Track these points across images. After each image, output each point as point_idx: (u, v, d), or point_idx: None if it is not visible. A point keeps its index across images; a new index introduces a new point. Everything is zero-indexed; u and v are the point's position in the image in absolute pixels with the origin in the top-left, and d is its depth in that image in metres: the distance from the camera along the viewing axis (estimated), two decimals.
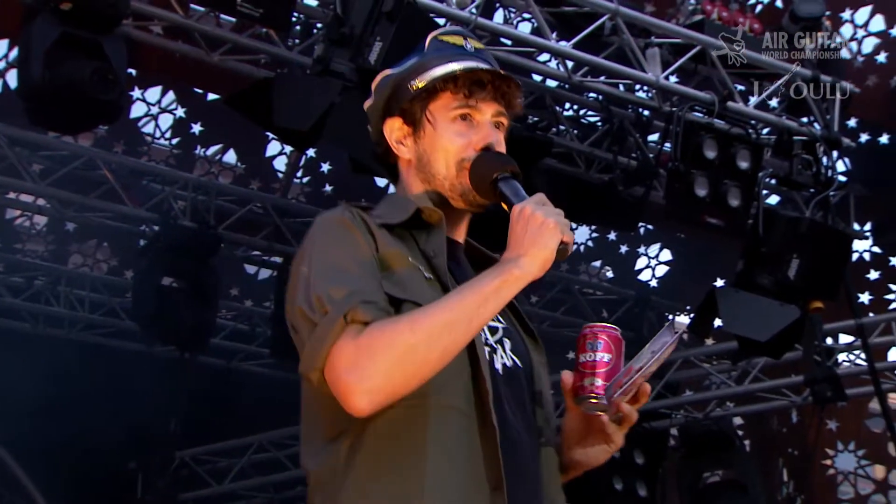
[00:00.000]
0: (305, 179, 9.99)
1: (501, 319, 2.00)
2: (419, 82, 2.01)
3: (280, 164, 9.81)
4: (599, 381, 1.89)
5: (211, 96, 9.18)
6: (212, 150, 9.66)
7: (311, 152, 9.58)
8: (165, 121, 9.43)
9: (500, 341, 1.98)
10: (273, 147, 9.70)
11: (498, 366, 1.94)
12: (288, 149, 9.50)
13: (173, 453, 9.21)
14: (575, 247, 10.26)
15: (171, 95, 9.28)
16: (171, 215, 8.11)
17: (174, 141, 9.43)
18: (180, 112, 9.34)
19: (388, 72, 2.11)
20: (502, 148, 2.02)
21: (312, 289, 1.83)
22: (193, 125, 9.35)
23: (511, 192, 1.93)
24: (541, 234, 1.81)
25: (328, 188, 9.84)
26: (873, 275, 9.81)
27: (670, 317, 10.67)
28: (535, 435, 1.99)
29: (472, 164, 1.97)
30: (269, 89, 5.60)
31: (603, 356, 1.89)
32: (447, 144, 1.99)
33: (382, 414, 1.80)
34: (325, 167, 9.81)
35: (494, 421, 1.84)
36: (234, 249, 8.79)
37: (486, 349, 1.92)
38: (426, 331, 1.76)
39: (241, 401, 9.30)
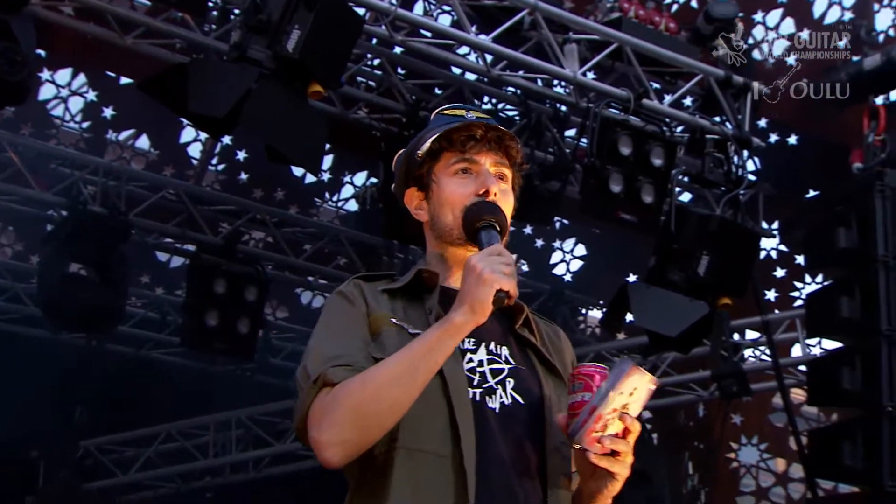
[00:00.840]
0: (221, 167, 9.88)
1: (510, 360, 2.10)
2: (422, 150, 2.17)
3: (195, 150, 9.71)
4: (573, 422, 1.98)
5: (124, 80, 9.02)
6: (124, 134, 9.50)
7: (226, 140, 9.48)
8: (76, 104, 9.25)
9: (501, 382, 2.06)
10: (188, 133, 9.59)
11: (494, 405, 2.03)
12: (203, 136, 9.38)
13: (77, 443, 9.03)
14: None
15: (81, 78, 9.10)
16: (80, 200, 7.94)
17: (85, 125, 9.25)
18: (91, 95, 9.16)
19: (401, 151, 2.27)
20: (506, 196, 2.16)
21: (303, 361, 2.04)
22: (105, 109, 9.18)
23: (485, 240, 2.05)
24: (476, 285, 1.93)
25: (244, 176, 9.74)
26: (780, 272, 10.05)
27: (583, 311, 10.80)
28: (539, 472, 2.03)
29: (464, 212, 2.10)
30: (184, 75, 5.49)
31: (584, 396, 1.97)
32: (450, 196, 2.13)
33: (367, 462, 1.97)
34: (241, 155, 9.71)
35: (466, 463, 1.93)
36: (146, 236, 8.64)
37: (478, 391, 2.02)
38: (374, 385, 1.92)
39: (150, 390, 9.16)
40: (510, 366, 2.09)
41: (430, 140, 2.16)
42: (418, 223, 2.22)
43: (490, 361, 2.07)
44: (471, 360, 2.06)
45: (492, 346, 2.09)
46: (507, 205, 2.15)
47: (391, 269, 8.43)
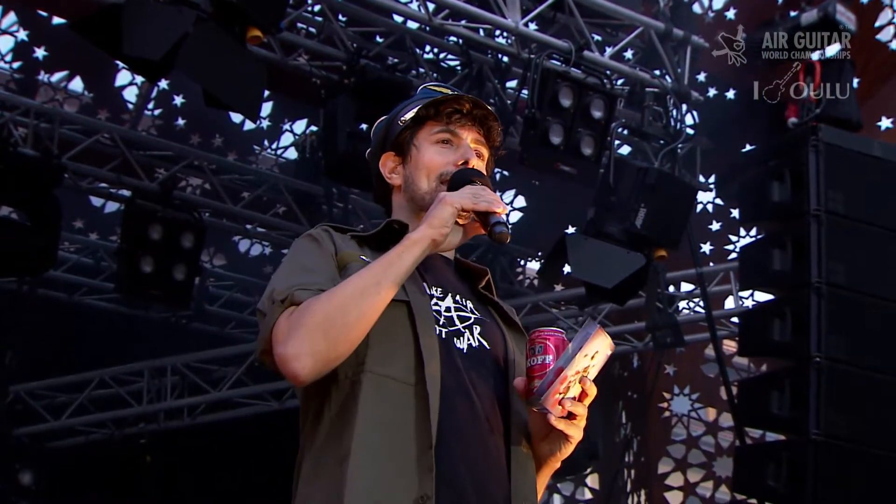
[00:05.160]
0: (157, 112, 9.71)
1: (476, 311, 2.18)
2: (406, 116, 2.25)
3: (130, 94, 9.52)
4: (538, 384, 2.00)
5: (56, 20, 8.79)
6: (57, 76, 9.27)
7: (163, 84, 9.30)
8: (6, 43, 9.06)
9: (469, 326, 2.14)
10: (123, 77, 9.40)
11: (462, 346, 2.10)
12: (139, 79, 9.20)
13: (7, 387, 8.91)
14: None
15: (12, 17, 8.85)
16: (10, 143, 7.75)
17: (15, 65, 9.01)
18: (22, 35, 8.92)
19: (381, 118, 2.34)
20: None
21: (267, 290, 2.08)
22: (37, 49, 8.95)
23: None
24: (436, 205, 2.05)
25: (181, 122, 9.58)
26: (715, 225, 10.19)
27: (522, 262, 10.86)
28: (504, 410, 2.09)
29: (451, 177, 2.16)
30: (119, 16, 5.36)
31: (545, 359, 2.00)
32: (429, 163, 2.21)
33: (333, 385, 2.02)
34: (179, 100, 9.55)
35: (429, 388, 1.98)
36: (80, 181, 8.48)
37: (444, 330, 2.08)
38: (341, 298, 1.98)
39: (83, 336, 9.05)
40: (476, 315, 2.17)
41: (418, 107, 2.23)
42: (386, 187, 2.28)
43: (457, 309, 2.15)
44: (437, 305, 2.12)
45: (458, 297, 2.17)
46: None
47: (331, 218, 8.40)
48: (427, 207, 2.14)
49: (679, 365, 10.69)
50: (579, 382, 1.99)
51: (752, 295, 8.97)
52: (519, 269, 10.89)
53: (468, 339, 2.11)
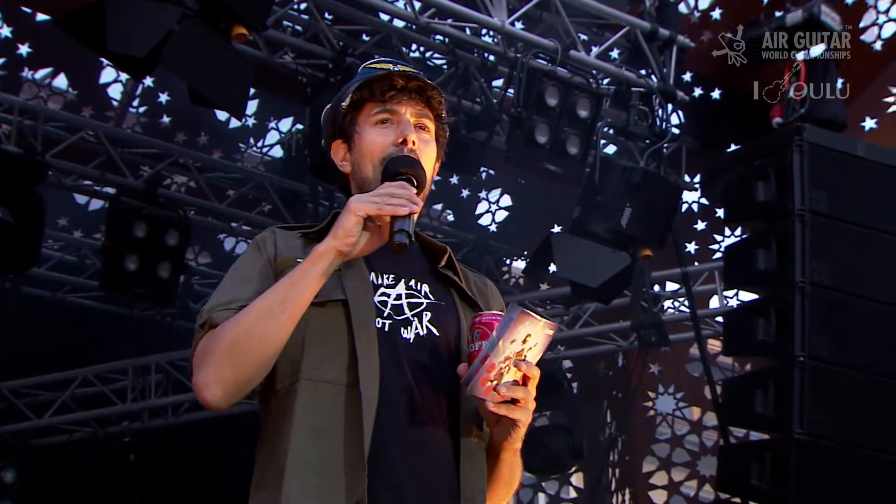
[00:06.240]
0: (142, 109, 9.68)
1: (429, 295, 2.12)
2: (345, 102, 2.18)
3: (115, 92, 9.49)
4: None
5: (41, 17, 8.75)
6: (41, 73, 9.23)
7: (148, 81, 9.28)
8: None
9: (419, 314, 2.09)
10: (108, 74, 9.37)
11: (409, 335, 2.05)
12: (124, 77, 9.16)
13: None
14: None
15: None
16: None
17: None
18: (6, 31, 8.87)
19: (329, 104, 2.27)
20: (427, 146, 2.15)
21: (206, 305, 2.07)
22: (20, 46, 8.91)
23: None
24: (342, 215, 1.98)
25: (166, 119, 9.56)
26: (700, 225, 10.22)
27: (508, 261, 10.87)
28: (453, 400, 2.04)
29: (385, 163, 2.10)
30: (104, 12, 5.33)
31: (481, 345, 1.96)
32: (369, 146, 2.14)
33: (272, 395, 2.01)
34: (164, 98, 9.52)
35: (362, 387, 1.94)
36: (64, 178, 8.45)
37: (388, 322, 2.04)
38: (246, 321, 1.95)
39: (67, 334, 9.02)
40: (429, 300, 2.12)
41: (352, 91, 2.16)
42: (344, 176, 2.22)
43: (408, 296, 2.10)
44: (386, 294, 2.08)
45: (412, 282, 2.12)
46: (428, 155, 2.15)
47: (316, 217, 8.38)
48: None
49: (664, 364, 10.73)
50: (515, 367, 1.93)
51: (736, 294, 9.00)
52: (505, 268, 10.90)
53: (416, 328, 2.06)
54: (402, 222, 1.95)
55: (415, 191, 2.00)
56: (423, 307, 2.10)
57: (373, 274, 2.09)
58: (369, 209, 1.95)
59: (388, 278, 2.10)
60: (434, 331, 2.08)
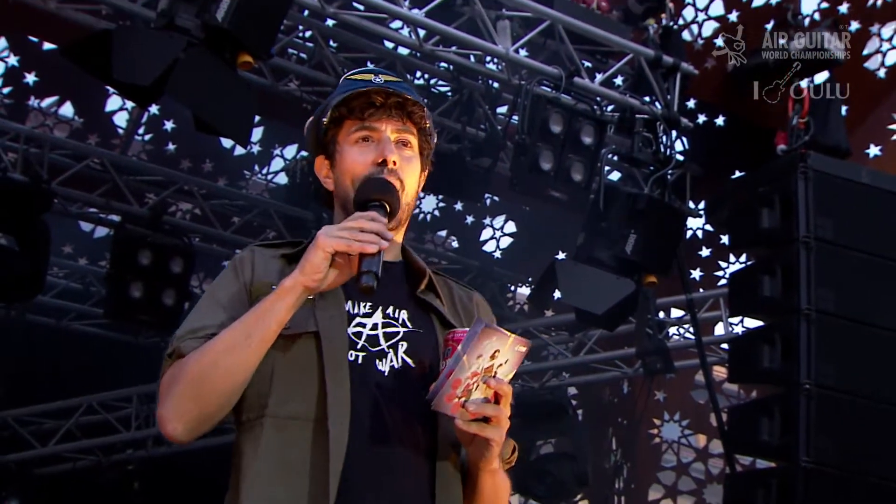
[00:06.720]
0: (147, 137, 9.71)
1: (407, 323, 2.06)
2: (326, 117, 2.13)
3: (121, 119, 9.53)
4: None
5: (47, 46, 8.80)
6: (47, 101, 9.28)
7: (154, 109, 9.32)
8: None
9: (394, 345, 2.03)
10: (114, 102, 9.41)
11: (384, 368, 2.00)
12: (130, 105, 9.21)
13: None
14: (421, 215, 10.37)
15: (2, 42, 8.87)
16: (0, 168, 7.75)
17: (5, 90, 9.02)
18: (13, 60, 8.93)
19: (311, 118, 2.23)
20: (409, 163, 2.10)
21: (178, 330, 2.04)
22: (27, 75, 8.96)
23: None
24: (310, 249, 1.92)
25: (171, 147, 9.59)
26: (705, 252, 10.21)
27: (512, 287, 10.86)
28: (428, 441, 1.99)
29: (358, 186, 2.05)
30: (110, 41, 5.36)
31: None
32: (350, 166, 2.09)
33: (241, 435, 1.98)
34: (169, 125, 9.56)
35: (330, 425, 1.89)
36: (69, 206, 8.47)
37: (362, 354, 1.99)
38: (211, 355, 1.91)
39: (71, 361, 9.01)
40: (406, 329, 2.05)
41: (332, 107, 2.12)
42: (329, 192, 2.18)
43: (385, 325, 2.04)
44: (361, 325, 2.02)
45: (389, 310, 2.06)
46: (411, 171, 2.10)
47: None
48: (354, 211, 2.04)
49: (669, 391, 10.68)
50: (485, 383, 1.87)
51: (741, 321, 8.97)
52: (509, 295, 10.89)
53: (391, 360, 2.01)
54: (369, 262, 1.88)
55: (386, 220, 1.94)
56: (399, 337, 2.04)
57: (349, 302, 2.04)
58: (338, 245, 1.89)
59: (364, 306, 2.04)
60: (410, 362, 2.02)
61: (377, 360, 2.00)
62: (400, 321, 2.06)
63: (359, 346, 2.00)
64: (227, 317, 1.99)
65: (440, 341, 2.05)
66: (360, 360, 1.98)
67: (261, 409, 1.94)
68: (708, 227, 10.05)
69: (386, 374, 1.99)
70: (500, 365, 1.88)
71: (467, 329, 1.93)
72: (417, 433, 1.98)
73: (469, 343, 1.84)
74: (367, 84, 2.11)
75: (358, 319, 2.02)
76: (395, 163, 2.06)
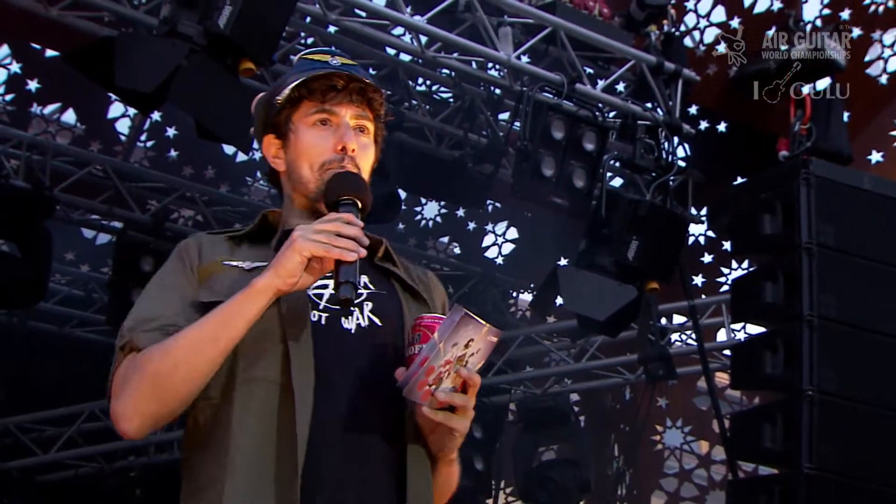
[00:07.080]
0: (150, 143, 9.72)
1: (369, 286, 2.05)
2: (281, 96, 2.09)
3: (123, 126, 9.54)
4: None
5: (50, 53, 8.81)
6: (49, 108, 9.29)
7: (156, 116, 9.33)
8: None
9: (359, 304, 2.01)
10: (116, 109, 9.42)
11: (350, 325, 1.98)
12: (132, 111, 9.21)
13: None
14: (424, 222, 10.37)
15: (5, 49, 8.88)
16: (2, 175, 7.75)
17: (8, 97, 9.03)
18: (15, 67, 8.94)
19: (261, 94, 2.20)
20: (366, 150, 2.08)
21: (126, 320, 1.98)
22: (30, 82, 8.97)
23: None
24: (285, 250, 1.87)
25: (173, 153, 9.60)
26: (707, 258, 10.21)
27: (514, 294, 10.85)
28: (399, 397, 1.94)
29: (328, 181, 2.01)
30: (112, 48, 5.38)
31: (420, 348, 1.88)
32: (308, 149, 2.06)
33: (205, 399, 1.92)
34: (171, 132, 9.57)
35: (294, 384, 1.87)
36: (71, 212, 8.48)
37: (324, 314, 1.97)
38: (174, 354, 1.86)
39: (74, 368, 9.00)
40: (369, 290, 2.04)
41: (290, 87, 2.08)
42: (271, 169, 2.16)
43: None
44: (323, 286, 1.98)
45: None
46: (367, 160, 2.09)
47: None
48: (312, 196, 2.04)
49: (671, 397, 10.67)
50: (456, 373, 1.84)
51: (744, 327, 8.96)
52: (511, 301, 10.88)
53: (357, 318, 1.98)
54: (347, 270, 1.85)
55: (362, 223, 1.90)
56: (363, 297, 2.02)
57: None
58: (315, 250, 1.84)
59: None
60: (376, 321, 2.00)
61: (342, 319, 1.98)
62: (362, 284, 2.02)
63: (321, 307, 1.98)
64: (177, 306, 1.95)
65: (403, 305, 2.06)
66: (323, 321, 1.96)
67: (228, 376, 1.91)
68: (710, 233, 10.04)
69: (353, 332, 1.98)
70: (472, 354, 1.85)
71: (436, 315, 1.93)
72: (388, 401, 1.93)
73: (447, 330, 1.81)
74: (325, 65, 2.09)
75: (319, 282, 1.95)
76: (353, 150, 2.05)
